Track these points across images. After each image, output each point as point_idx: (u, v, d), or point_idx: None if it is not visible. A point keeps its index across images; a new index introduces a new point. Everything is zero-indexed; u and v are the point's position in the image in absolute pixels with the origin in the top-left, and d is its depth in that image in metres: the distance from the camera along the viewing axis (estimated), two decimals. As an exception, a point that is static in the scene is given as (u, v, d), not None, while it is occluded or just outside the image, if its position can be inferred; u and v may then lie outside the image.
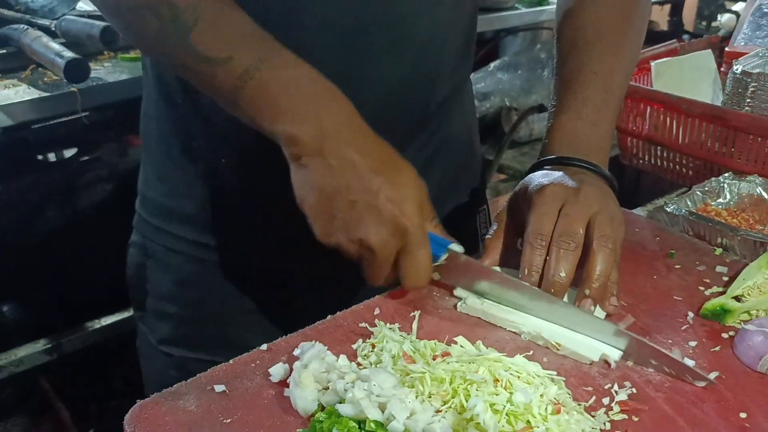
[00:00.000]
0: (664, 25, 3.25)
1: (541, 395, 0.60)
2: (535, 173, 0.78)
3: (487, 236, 0.79)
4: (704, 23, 3.44)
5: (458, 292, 0.77)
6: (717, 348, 0.71)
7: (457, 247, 0.73)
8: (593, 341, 0.70)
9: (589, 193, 0.73)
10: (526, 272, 0.71)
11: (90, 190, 1.89)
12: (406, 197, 0.67)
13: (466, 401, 0.58)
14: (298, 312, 0.90)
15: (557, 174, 0.75)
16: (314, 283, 0.91)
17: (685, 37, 2.91)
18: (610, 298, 0.72)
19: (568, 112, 0.82)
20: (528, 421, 0.57)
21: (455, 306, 0.77)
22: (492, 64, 2.39)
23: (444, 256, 0.73)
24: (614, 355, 0.69)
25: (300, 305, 0.91)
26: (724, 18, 3.20)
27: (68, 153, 2.04)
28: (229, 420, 0.62)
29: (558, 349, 0.70)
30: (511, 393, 0.59)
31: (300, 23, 0.75)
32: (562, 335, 0.70)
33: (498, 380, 0.60)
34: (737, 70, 1.03)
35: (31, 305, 1.76)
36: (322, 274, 0.89)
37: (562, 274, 0.69)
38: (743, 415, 0.63)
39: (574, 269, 0.70)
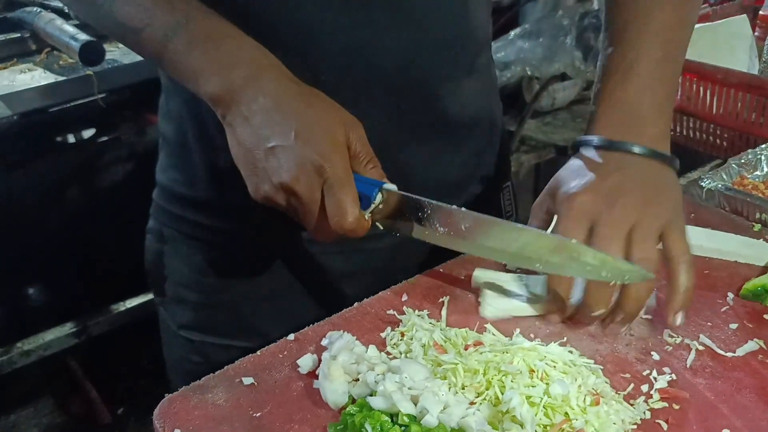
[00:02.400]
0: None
1: (579, 386, 0.58)
2: (572, 165, 0.72)
3: None
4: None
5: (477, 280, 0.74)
6: (759, 330, 0.69)
7: (390, 186, 0.68)
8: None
9: (628, 204, 0.66)
10: (551, 297, 0.68)
11: (110, 171, 1.89)
12: (318, 135, 0.64)
13: (501, 393, 0.57)
14: (314, 297, 0.90)
15: (590, 176, 0.69)
16: (332, 270, 0.89)
17: (712, -4, 2.82)
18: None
19: (617, 74, 0.73)
20: (566, 414, 0.55)
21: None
22: (512, 32, 2.33)
23: (378, 197, 0.67)
24: None
25: (316, 290, 0.90)
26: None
27: (87, 134, 2.04)
28: (258, 413, 0.61)
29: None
30: (547, 384, 0.57)
31: (302, 1, 0.73)
32: None
33: (533, 371, 0.59)
34: (775, 35, 0.98)
35: (56, 288, 1.77)
36: (340, 262, 0.88)
37: (600, 312, 0.66)
38: (789, 401, 0.61)
39: (611, 299, 0.66)
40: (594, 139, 0.72)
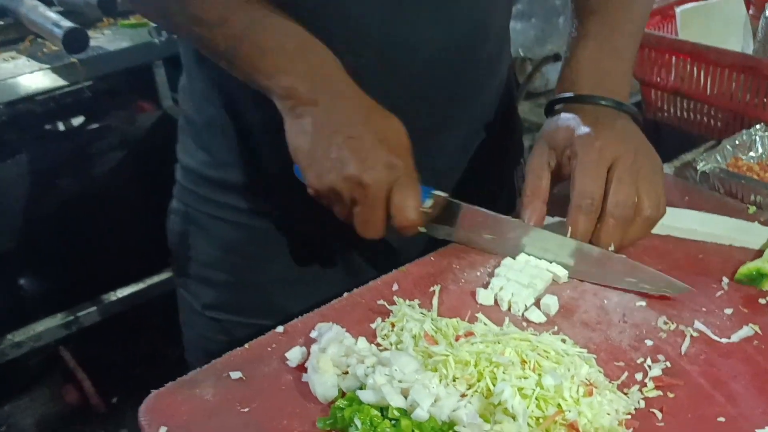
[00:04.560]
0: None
1: (572, 376, 0.57)
2: (567, 117, 0.76)
3: (524, 196, 0.76)
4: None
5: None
6: (754, 315, 0.68)
7: (440, 193, 0.74)
8: None
9: (639, 150, 0.74)
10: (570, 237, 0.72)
11: (100, 160, 1.88)
12: (397, 139, 0.69)
13: (493, 385, 0.56)
14: (340, 276, 0.90)
15: (602, 127, 0.74)
16: (357, 249, 0.90)
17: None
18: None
19: (595, 40, 0.81)
20: (559, 405, 0.54)
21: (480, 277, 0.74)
22: (504, 14, 2.31)
23: (430, 201, 0.73)
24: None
25: (343, 269, 0.90)
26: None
27: (76, 122, 2.02)
28: (247, 408, 0.60)
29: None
30: (539, 375, 0.56)
31: None
32: None
33: (525, 362, 0.58)
34: (770, 14, 0.97)
35: (47, 279, 1.76)
36: (363, 240, 0.88)
37: (611, 248, 0.72)
38: (784, 388, 0.60)
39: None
40: (581, 95, 0.78)
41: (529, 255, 0.74)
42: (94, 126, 1.98)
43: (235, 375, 0.63)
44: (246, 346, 0.67)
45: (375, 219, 0.69)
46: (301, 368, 0.64)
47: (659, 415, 0.58)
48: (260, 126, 0.83)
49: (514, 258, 0.74)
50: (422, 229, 0.72)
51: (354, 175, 0.66)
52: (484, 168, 0.91)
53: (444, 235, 0.76)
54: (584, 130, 0.74)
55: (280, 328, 0.69)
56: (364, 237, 0.70)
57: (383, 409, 0.56)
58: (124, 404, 1.83)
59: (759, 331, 0.66)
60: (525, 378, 0.55)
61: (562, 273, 0.72)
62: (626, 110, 0.78)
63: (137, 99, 1.98)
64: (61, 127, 2.01)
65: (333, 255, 0.90)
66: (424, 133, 0.75)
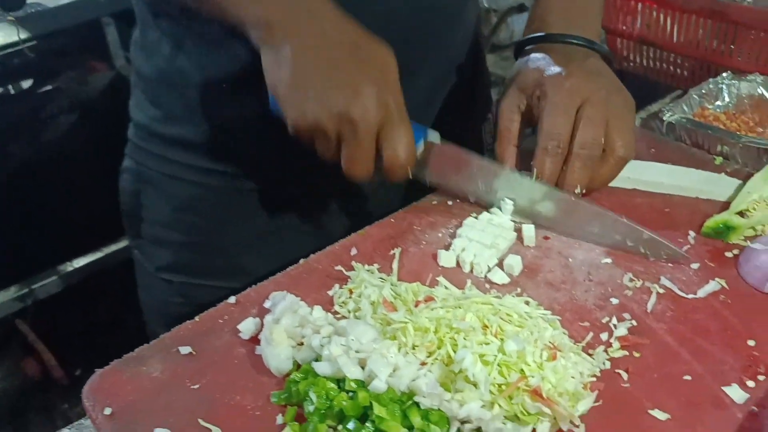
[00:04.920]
0: None
1: (536, 340, 0.54)
2: (538, 57, 0.74)
3: (496, 142, 0.74)
4: None
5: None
6: (721, 269, 0.66)
7: (434, 135, 0.70)
8: None
9: (612, 88, 0.71)
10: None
11: (52, 123, 1.80)
12: (387, 71, 0.64)
13: (454, 351, 0.53)
14: (303, 235, 0.87)
15: (573, 66, 0.72)
16: (319, 207, 0.87)
17: None
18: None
19: None
20: (522, 371, 0.52)
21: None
22: (468, -37, 2.24)
23: (421, 144, 0.69)
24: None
25: (306, 228, 0.87)
26: None
27: (25, 84, 1.92)
28: (197, 385, 0.57)
29: None
30: (502, 340, 0.53)
31: None
32: None
33: (487, 326, 0.55)
34: (737, -44, 0.93)
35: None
36: (327, 200, 0.86)
37: (578, 190, 0.70)
38: (752, 342, 0.59)
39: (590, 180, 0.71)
40: (552, 33, 0.76)
41: (505, 201, 0.73)
42: (45, 88, 1.89)
43: (185, 350, 0.60)
44: (196, 318, 0.64)
45: (364, 158, 0.63)
46: (255, 340, 0.61)
47: (625, 375, 0.56)
48: (215, 80, 0.78)
49: (486, 204, 0.73)
50: (408, 174, 0.66)
51: (342, 110, 0.60)
52: (450, 121, 0.88)
53: (434, 182, 0.73)
54: (554, 70, 0.71)
55: (232, 299, 0.66)
56: (351, 177, 0.64)
57: (340, 381, 0.53)
58: (86, 376, 1.79)
59: (725, 286, 0.64)
60: (487, 344, 0.53)
61: (531, 234, 0.70)
62: (597, 49, 0.75)
63: (88, 59, 1.89)
64: (11, 90, 1.91)
65: (296, 215, 0.87)
66: None
